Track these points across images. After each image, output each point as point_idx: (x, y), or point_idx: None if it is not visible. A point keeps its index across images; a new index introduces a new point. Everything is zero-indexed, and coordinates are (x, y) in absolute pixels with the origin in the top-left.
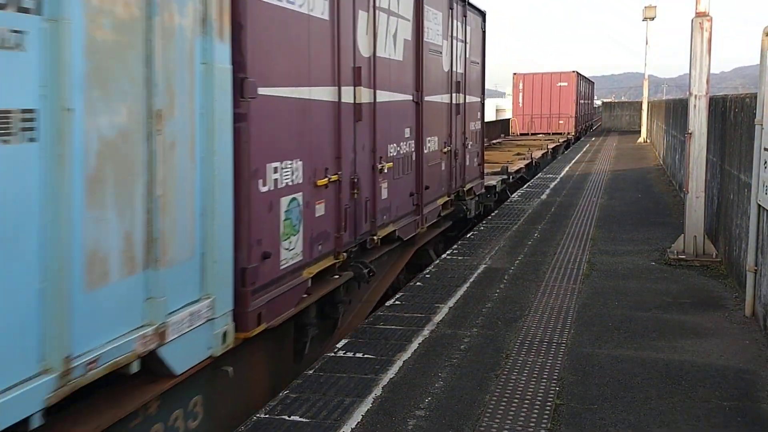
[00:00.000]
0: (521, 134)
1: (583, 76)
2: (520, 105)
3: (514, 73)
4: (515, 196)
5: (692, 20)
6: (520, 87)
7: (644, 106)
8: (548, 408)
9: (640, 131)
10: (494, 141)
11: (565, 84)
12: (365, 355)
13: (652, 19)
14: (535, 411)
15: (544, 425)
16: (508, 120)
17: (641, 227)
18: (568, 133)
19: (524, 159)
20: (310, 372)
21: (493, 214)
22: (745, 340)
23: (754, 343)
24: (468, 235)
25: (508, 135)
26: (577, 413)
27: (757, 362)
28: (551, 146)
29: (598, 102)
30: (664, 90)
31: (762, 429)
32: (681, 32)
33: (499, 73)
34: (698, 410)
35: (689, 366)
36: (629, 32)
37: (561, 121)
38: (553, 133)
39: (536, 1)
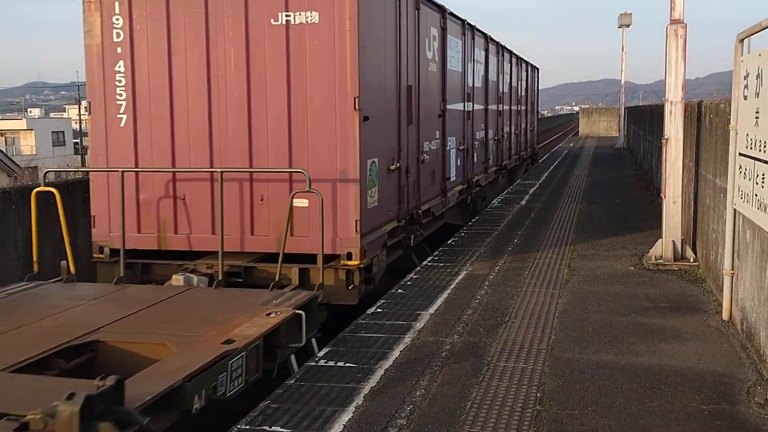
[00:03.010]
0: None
1: (473, 26)
2: (120, 112)
3: None
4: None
5: (667, 27)
6: (117, 36)
7: (621, 113)
8: (529, 414)
9: (618, 137)
10: None
11: (315, 19)
12: (346, 364)
13: (628, 26)
14: (516, 417)
15: (525, 431)
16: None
17: (619, 232)
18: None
19: None
20: (291, 382)
21: (474, 219)
22: (723, 344)
23: (731, 346)
24: (449, 242)
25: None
26: (558, 419)
27: (735, 365)
28: None
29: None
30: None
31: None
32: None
33: None
34: (678, 414)
35: (668, 370)
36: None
37: (301, 201)
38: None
39: (512, 1)
